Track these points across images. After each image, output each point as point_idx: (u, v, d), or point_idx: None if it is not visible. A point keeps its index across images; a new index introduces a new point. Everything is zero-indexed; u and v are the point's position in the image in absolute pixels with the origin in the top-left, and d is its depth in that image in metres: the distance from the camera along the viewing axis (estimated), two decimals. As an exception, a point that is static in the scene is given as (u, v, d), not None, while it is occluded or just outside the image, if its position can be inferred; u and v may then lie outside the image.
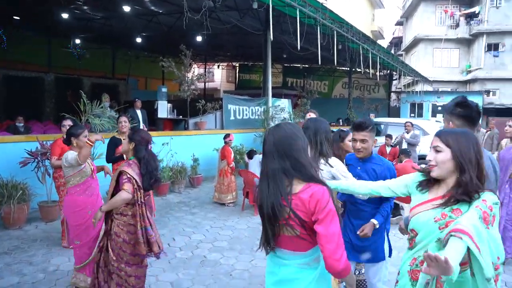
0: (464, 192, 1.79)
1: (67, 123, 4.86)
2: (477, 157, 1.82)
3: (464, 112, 2.37)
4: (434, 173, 1.88)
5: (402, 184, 2.15)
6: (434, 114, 20.41)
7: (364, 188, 2.38)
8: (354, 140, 2.85)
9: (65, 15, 11.78)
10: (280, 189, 1.75)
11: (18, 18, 13.11)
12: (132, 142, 3.18)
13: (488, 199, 1.75)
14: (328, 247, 1.69)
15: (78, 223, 3.65)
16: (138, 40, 15.27)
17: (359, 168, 2.92)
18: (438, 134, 1.91)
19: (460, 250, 1.58)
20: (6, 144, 6.07)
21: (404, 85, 27.08)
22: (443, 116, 2.61)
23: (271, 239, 1.82)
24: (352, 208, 2.93)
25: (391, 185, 2.23)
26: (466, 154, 1.81)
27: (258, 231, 4.36)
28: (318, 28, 9.14)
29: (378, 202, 2.83)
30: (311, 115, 4.24)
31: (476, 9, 25.04)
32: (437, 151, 1.86)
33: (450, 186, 1.86)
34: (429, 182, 1.96)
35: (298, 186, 1.76)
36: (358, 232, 2.73)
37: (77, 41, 16.16)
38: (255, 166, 6.94)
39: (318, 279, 1.84)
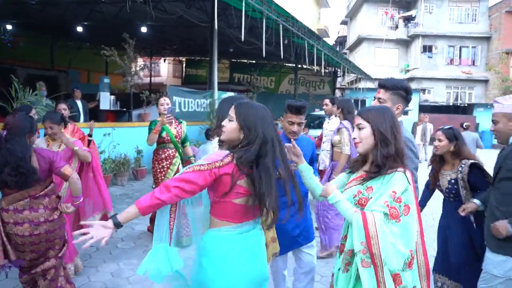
0: (376, 165, 1.86)
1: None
2: (393, 131, 1.90)
3: (408, 97, 2.46)
4: (360, 149, 1.97)
5: (343, 177, 2.17)
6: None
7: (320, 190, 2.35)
8: (291, 123, 2.83)
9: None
10: None
11: None
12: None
13: (397, 188, 1.78)
14: None
15: None
16: (80, 29, 14.48)
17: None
18: (359, 113, 1.98)
19: (348, 205, 1.82)
20: None
21: (348, 82, 28.12)
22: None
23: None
24: None
25: (340, 181, 2.19)
26: (383, 128, 1.88)
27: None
28: (264, 21, 9.22)
29: None
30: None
31: (412, 12, 26.63)
32: (360, 129, 1.95)
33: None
34: (358, 163, 2.05)
35: None
36: None
37: (9, 27, 14.97)
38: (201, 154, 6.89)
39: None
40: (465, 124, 9.50)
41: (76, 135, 4.15)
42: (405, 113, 19.09)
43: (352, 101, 6.41)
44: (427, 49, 26.44)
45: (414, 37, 26.52)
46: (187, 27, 13.57)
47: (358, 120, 1.96)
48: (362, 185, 1.91)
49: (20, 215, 2.64)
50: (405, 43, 27.73)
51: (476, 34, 25.82)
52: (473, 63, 26.32)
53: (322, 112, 14.55)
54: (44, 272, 2.80)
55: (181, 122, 4.86)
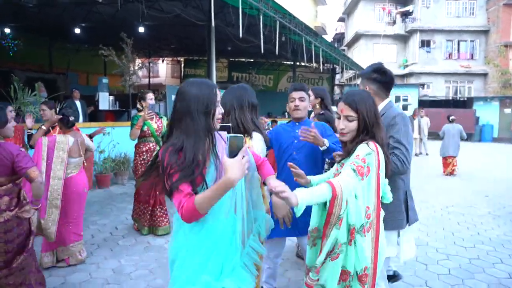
0: (348, 148, 2.02)
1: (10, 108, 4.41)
2: (376, 117, 2.01)
3: (381, 78, 2.48)
4: (346, 138, 2.05)
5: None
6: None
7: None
8: (292, 99, 2.87)
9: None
10: None
11: None
12: None
13: (360, 152, 1.91)
14: None
15: None
16: (77, 31, 14.50)
17: (296, 131, 2.83)
18: (347, 102, 2.00)
19: (316, 192, 1.78)
20: None
21: (347, 79, 28.13)
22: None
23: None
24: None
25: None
26: (368, 118, 1.98)
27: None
28: (261, 18, 9.23)
29: (314, 165, 2.82)
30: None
31: (410, 8, 26.62)
32: (350, 121, 1.99)
33: None
34: (343, 156, 2.13)
35: None
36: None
37: (7, 30, 15.02)
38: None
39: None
40: (451, 117, 10.23)
41: None
42: (405, 107, 19.08)
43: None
44: (425, 44, 26.43)
45: (412, 32, 26.51)
46: (185, 26, 13.56)
47: (347, 111, 2.00)
48: (338, 163, 2.10)
49: None
50: (403, 39, 27.72)
51: (474, 27, 25.80)
52: (472, 57, 26.30)
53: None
54: None
55: (162, 117, 5.07)
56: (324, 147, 2.60)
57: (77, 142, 3.99)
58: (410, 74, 26.48)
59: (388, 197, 2.05)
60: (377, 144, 1.96)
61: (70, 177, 3.92)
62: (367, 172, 1.88)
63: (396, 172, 2.24)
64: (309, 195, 1.75)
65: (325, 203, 1.85)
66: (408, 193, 2.49)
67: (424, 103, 21.71)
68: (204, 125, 1.68)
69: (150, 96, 4.91)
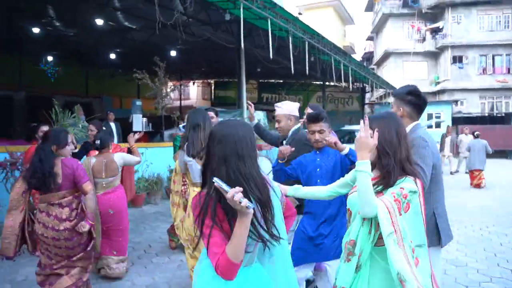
0: (384, 176, 1.90)
1: (44, 128, 4.71)
2: (399, 139, 1.92)
3: (415, 100, 2.53)
4: (370, 157, 1.98)
5: (353, 175, 2.25)
6: (406, 124, 20.98)
7: (323, 192, 2.44)
8: (312, 132, 2.96)
9: (36, 30, 11.62)
10: None
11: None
12: None
13: (405, 186, 1.83)
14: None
15: None
16: (112, 56, 15.19)
17: (318, 159, 2.97)
18: (368, 122, 1.99)
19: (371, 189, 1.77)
20: (-28, 156, 5.89)
21: (377, 98, 27.80)
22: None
23: None
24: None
25: (349, 179, 2.31)
26: (386, 137, 1.91)
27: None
28: (290, 38, 9.35)
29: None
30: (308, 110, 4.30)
31: (440, 24, 26.22)
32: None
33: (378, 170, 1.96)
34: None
35: None
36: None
37: (49, 58, 15.91)
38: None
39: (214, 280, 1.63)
40: (475, 133, 11.29)
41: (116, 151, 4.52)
42: (438, 125, 18.58)
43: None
44: (457, 59, 25.84)
45: (443, 48, 26.04)
46: (215, 49, 13.93)
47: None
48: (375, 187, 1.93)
49: (40, 215, 3.03)
50: (434, 55, 27.26)
51: (509, 41, 25.02)
52: (508, 71, 25.39)
53: (352, 127, 14.50)
54: (60, 273, 3.07)
55: None
56: (345, 151, 2.79)
57: (101, 163, 4.08)
58: (442, 91, 25.87)
59: None
60: (419, 180, 1.92)
61: (97, 196, 4.02)
62: (405, 209, 1.82)
63: None
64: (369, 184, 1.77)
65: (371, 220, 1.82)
66: (437, 213, 2.44)
67: (458, 120, 21.11)
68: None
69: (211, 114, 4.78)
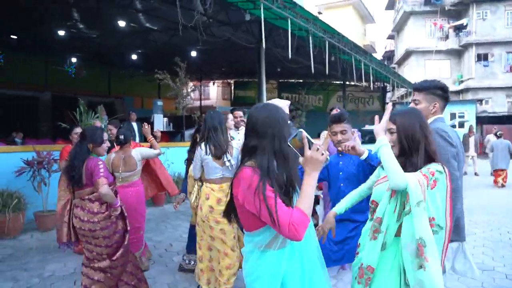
0: (410, 169, 1.93)
1: (78, 130, 4.95)
2: (424, 132, 1.97)
3: (445, 94, 2.58)
4: (394, 151, 2.02)
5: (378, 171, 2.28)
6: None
7: (356, 196, 2.48)
8: (334, 133, 2.91)
9: (61, 33, 11.91)
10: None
11: (15, 37, 13.28)
12: None
13: (432, 167, 1.89)
14: (264, 217, 1.62)
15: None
16: (134, 57, 15.44)
17: (340, 163, 2.95)
18: (391, 117, 2.06)
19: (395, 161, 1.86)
20: (2, 154, 6.08)
21: (398, 97, 27.37)
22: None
23: (234, 217, 1.87)
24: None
25: (373, 176, 2.33)
26: (409, 131, 1.96)
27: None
28: (310, 38, 9.30)
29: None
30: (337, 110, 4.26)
31: (464, 21, 25.61)
32: (392, 133, 2.04)
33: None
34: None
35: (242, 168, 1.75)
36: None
37: (73, 60, 16.31)
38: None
39: (259, 261, 1.77)
40: (498, 132, 11.59)
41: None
42: (461, 125, 18.17)
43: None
44: (482, 57, 25.20)
45: (467, 46, 25.44)
46: (235, 50, 13.98)
47: (390, 125, 2.06)
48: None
49: (76, 210, 3.20)
50: (457, 53, 26.65)
51: (537, 38, 24.27)
52: (536, 69, 24.66)
53: (373, 127, 14.31)
54: (102, 270, 3.17)
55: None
56: (364, 156, 2.69)
57: (120, 158, 4.28)
58: (466, 90, 25.28)
59: None
60: (445, 166, 1.95)
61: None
62: (432, 185, 1.86)
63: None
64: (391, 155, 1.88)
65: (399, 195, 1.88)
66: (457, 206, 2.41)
67: (482, 120, 20.60)
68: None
69: (231, 116, 4.75)
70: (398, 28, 32.09)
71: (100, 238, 3.15)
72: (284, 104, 3.65)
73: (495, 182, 10.74)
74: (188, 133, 9.90)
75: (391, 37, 36.52)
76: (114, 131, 4.86)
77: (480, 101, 23.49)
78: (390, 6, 34.15)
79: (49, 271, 4.31)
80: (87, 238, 3.17)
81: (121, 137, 4.31)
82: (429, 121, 2.46)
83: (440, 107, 2.56)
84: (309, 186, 1.62)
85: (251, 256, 1.80)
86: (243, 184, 1.66)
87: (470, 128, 13.97)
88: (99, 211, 3.15)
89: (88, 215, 3.14)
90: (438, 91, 2.54)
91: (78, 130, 4.95)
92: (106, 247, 3.18)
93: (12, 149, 6.45)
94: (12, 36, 13.23)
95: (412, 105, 2.62)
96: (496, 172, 10.79)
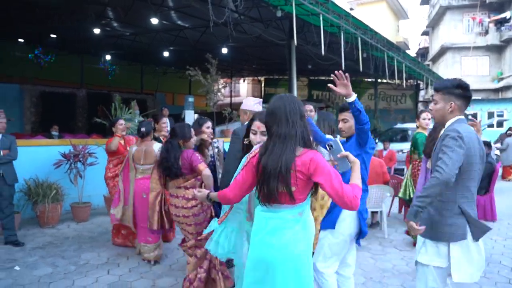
0: None
1: (122, 122, 5.54)
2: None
3: (465, 93, 2.49)
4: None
5: None
6: (464, 123, 19.84)
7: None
8: (338, 121, 3.14)
9: (96, 31, 12.27)
10: (288, 152, 2.01)
11: (54, 36, 13.80)
12: None
13: None
14: (334, 193, 1.99)
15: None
16: (166, 54, 15.70)
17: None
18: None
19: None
20: (41, 147, 6.39)
21: (432, 95, 26.57)
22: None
23: (268, 195, 2.06)
24: None
25: None
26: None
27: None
28: (342, 34, 9.18)
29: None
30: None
31: (507, 14, 24.34)
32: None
33: None
34: None
35: (299, 150, 2.05)
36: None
37: (108, 57, 16.79)
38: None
39: (301, 230, 2.11)
40: (508, 132, 12.28)
41: None
42: (500, 124, 17.27)
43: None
44: (525, 53, 23.99)
45: (509, 41, 24.26)
46: (265, 47, 13.98)
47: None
48: None
49: (171, 199, 3.57)
50: (498, 49, 25.50)
51: None
52: None
53: (406, 125, 13.94)
54: (191, 249, 3.49)
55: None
56: (352, 99, 2.72)
57: (141, 150, 4.51)
58: (507, 88, 24.20)
59: None
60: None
61: (135, 180, 4.53)
62: None
63: (439, 182, 2.27)
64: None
65: None
66: (463, 207, 2.39)
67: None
68: None
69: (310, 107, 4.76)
70: (433, 24, 31.08)
71: (193, 225, 3.47)
72: (251, 102, 3.76)
73: (504, 177, 11.51)
74: (218, 129, 10.00)
75: (425, 33, 35.45)
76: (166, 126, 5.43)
77: (522, 99, 22.43)
78: (425, 1, 33.13)
79: (84, 259, 4.48)
80: (182, 225, 3.52)
81: (143, 129, 4.51)
82: (448, 122, 2.47)
83: (458, 107, 2.47)
84: (357, 169, 2.18)
85: (294, 225, 2.10)
86: (321, 160, 2.03)
87: (510, 129, 13.23)
88: (193, 197, 3.41)
89: (182, 202, 3.47)
90: (456, 90, 2.46)
91: (122, 121, 5.49)
92: (197, 234, 3.44)
93: (50, 142, 6.74)
94: (51, 35, 13.77)
95: (431, 105, 2.60)
96: (505, 168, 11.60)
